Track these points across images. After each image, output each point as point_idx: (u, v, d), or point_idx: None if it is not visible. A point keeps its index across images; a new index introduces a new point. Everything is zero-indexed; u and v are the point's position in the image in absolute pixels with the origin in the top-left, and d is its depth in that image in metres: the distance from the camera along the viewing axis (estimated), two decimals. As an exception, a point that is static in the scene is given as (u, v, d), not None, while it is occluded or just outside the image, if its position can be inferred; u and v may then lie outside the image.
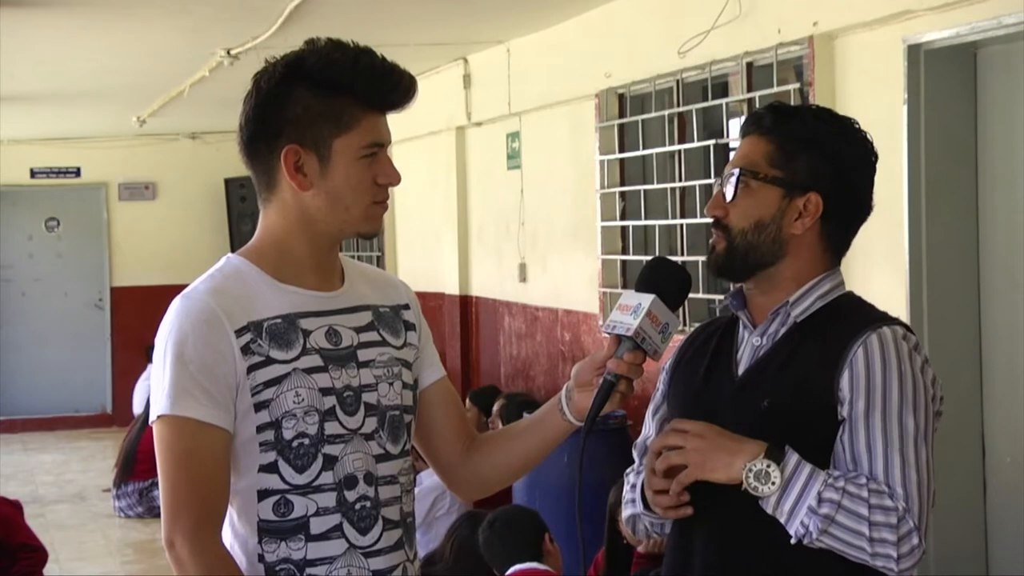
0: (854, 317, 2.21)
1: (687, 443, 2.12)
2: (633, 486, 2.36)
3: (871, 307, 2.27)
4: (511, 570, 4.15)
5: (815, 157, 2.22)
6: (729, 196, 2.23)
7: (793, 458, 2.07)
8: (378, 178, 2.18)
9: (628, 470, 2.45)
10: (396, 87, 2.17)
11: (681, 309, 2.31)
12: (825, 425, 2.14)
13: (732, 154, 2.31)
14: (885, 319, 2.21)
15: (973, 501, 4.38)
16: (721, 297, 5.37)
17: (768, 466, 2.06)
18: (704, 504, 2.18)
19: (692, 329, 2.48)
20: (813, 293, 2.24)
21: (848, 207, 2.26)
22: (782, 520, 2.08)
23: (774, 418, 2.13)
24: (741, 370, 2.25)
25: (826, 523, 2.05)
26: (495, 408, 6.89)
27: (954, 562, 4.35)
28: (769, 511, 2.09)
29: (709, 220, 2.30)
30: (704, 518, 2.21)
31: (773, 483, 2.06)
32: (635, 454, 2.45)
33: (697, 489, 2.16)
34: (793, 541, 2.08)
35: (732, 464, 2.09)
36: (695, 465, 2.12)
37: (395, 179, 2.20)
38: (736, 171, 2.22)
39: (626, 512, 2.40)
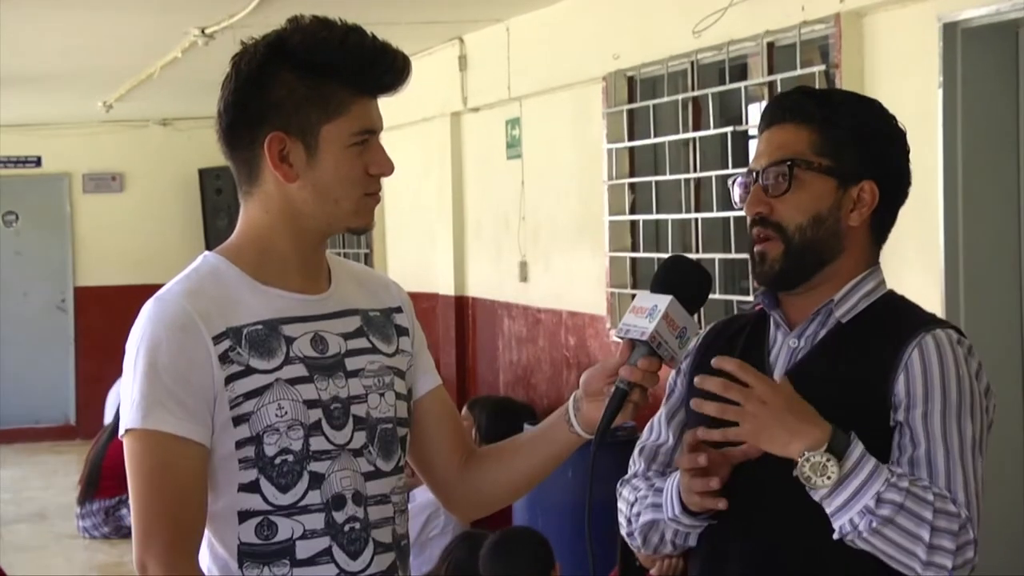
0: (903, 319, 2.22)
1: (747, 404, 2.09)
2: (658, 490, 2.33)
3: (918, 308, 2.29)
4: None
5: (863, 144, 2.24)
6: (777, 190, 2.22)
7: (857, 451, 2.07)
8: (370, 168, 2.18)
9: (627, 477, 2.43)
10: (389, 68, 2.17)
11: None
12: (875, 431, 2.14)
13: (755, 144, 2.31)
14: (936, 321, 2.23)
15: (1016, 508, 4.39)
16: (740, 299, 5.37)
17: (828, 460, 2.05)
18: (741, 514, 2.18)
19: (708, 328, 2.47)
20: (857, 292, 2.25)
21: (895, 193, 2.29)
22: (828, 511, 2.08)
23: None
24: (777, 374, 2.25)
25: (882, 524, 2.05)
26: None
27: (997, 570, 4.35)
28: (816, 499, 2.09)
29: (723, 215, 2.32)
30: (741, 529, 2.21)
31: (829, 478, 2.06)
32: (638, 459, 2.42)
33: (734, 498, 2.16)
34: (836, 536, 2.08)
35: (789, 444, 2.08)
36: (749, 433, 2.10)
37: (388, 168, 2.20)
38: (787, 162, 2.22)
39: (643, 519, 2.36)
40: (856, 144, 2.23)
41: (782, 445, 2.08)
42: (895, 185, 2.28)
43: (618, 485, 2.43)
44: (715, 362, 2.14)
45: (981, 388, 2.18)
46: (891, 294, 2.30)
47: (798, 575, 2.19)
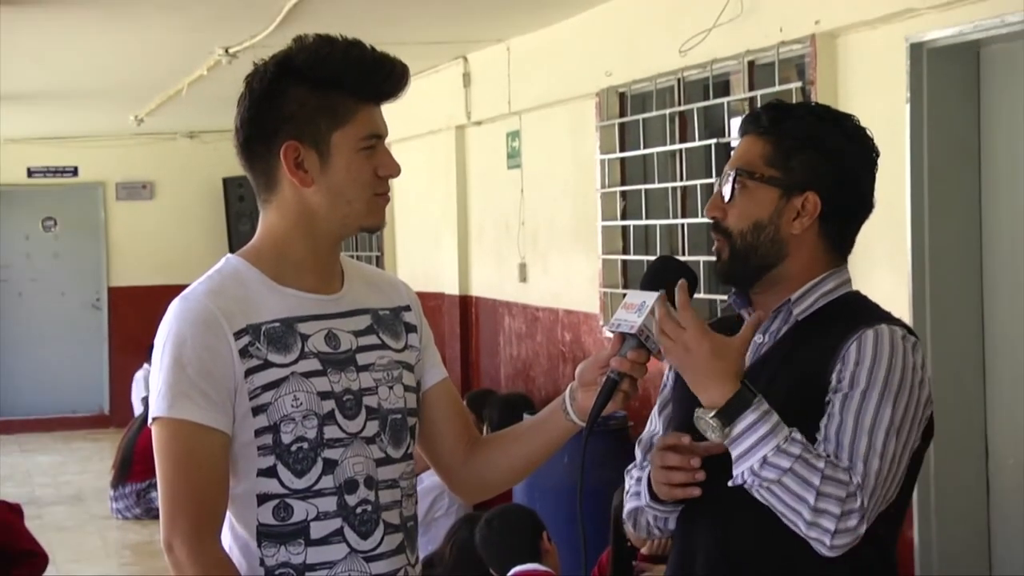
0: (855, 316, 2.20)
1: (676, 343, 2.10)
2: (639, 479, 2.35)
3: (875, 306, 2.27)
4: (512, 572, 4.15)
5: (813, 156, 2.22)
6: (727, 197, 2.23)
7: (750, 417, 2.07)
8: (378, 170, 2.19)
9: (630, 467, 2.43)
10: (388, 76, 2.17)
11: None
12: (817, 418, 2.13)
13: (732, 154, 2.31)
14: (887, 318, 2.21)
15: (976, 503, 4.37)
16: (723, 298, 5.37)
17: (714, 422, 2.08)
18: (708, 502, 2.18)
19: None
20: (816, 291, 2.24)
21: (849, 205, 2.26)
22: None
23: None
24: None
25: (767, 483, 2.05)
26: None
27: (958, 563, 4.34)
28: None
29: (710, 221, 2.30)
30: (707, 517, 2.21)
31: (717, 436, 2.09)
32: (638, 451, 2.44)
33: (701, 487, 2.16)
34: (730, 483, 2.10)
35: (697, 394, 2.12)
36: (674, 363, 2.14)
37: (395, 170, 2.20)
38: (733, 172, 2.23)
39: (629, 505, 2.38)
40: (803, 156, 2.21)
41: (693, 387, 2.13)
42: (843, 196, 2.24)
43: (625, 472, 2.44)
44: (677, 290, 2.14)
45: (917, 381, 2.14)
46: (853, 294, 2.28)
47: (754, 553, 2.18)
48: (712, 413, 2.08)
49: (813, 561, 2.10)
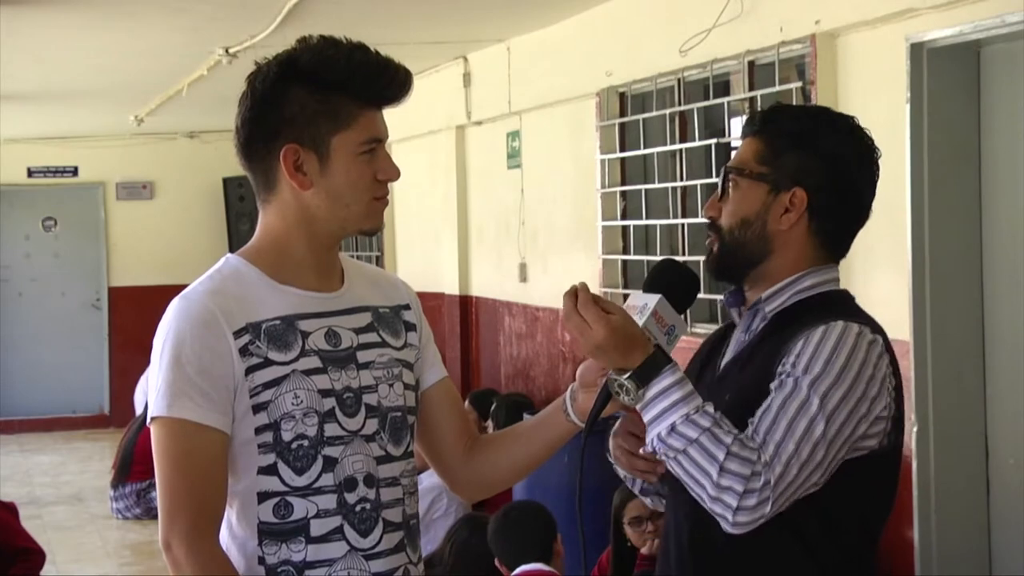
0: (821, 312, 2.18)
1: (583, 333, 2.08)
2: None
3: (848, 304, 2.25)
4: (519, 569, 4.15)
5: (803, 152, 2.22)
6: (722, 196, 2.26)
7: (663, 382, 2.06)
8: (378, 174, 2.19)
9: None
10: (392, 82, 2.17)
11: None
12: None
13: (733, 155, 2.34)
14: (852, 315, 2.18)
15: (976, 502, 4.37)
16: (722, 297, 5.36)
17: (628, 386, 2.07)
18: (677, 487, 2.17)
19: (693, 329, 2.48)
20: (789, 289, 2.24)
21: (840, 204, 2.25)
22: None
23: (735, 410, 2.12)
24: (722, 365, 2.28)
25: (673, 452, 2.05)
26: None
27: (957, 563, 4.34)
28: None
29: (707, 221, 2.33)
30: (680, 501, 2.22)
31: (631, 399, 2.08)
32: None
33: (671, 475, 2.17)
34: (641, 451, 2.15)
35: (617, 367, 2.10)
36: (589, 353, 2.12)
37: (394, 175, 2.20)
38: (730, 170, 2.25)
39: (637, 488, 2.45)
40: (793, 152, 2.22)
41: (612, 368, 2.10)
42: (834, 193, 2.23)
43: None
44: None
45: (866, 375, 2.10)
46: (833, 292, 2.26)
47: (716, 531, 2.14)
48: (627, 374, 2.07)
49: (765, 538, 2.09)
